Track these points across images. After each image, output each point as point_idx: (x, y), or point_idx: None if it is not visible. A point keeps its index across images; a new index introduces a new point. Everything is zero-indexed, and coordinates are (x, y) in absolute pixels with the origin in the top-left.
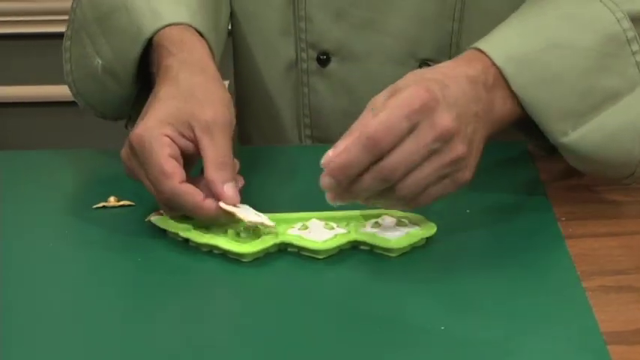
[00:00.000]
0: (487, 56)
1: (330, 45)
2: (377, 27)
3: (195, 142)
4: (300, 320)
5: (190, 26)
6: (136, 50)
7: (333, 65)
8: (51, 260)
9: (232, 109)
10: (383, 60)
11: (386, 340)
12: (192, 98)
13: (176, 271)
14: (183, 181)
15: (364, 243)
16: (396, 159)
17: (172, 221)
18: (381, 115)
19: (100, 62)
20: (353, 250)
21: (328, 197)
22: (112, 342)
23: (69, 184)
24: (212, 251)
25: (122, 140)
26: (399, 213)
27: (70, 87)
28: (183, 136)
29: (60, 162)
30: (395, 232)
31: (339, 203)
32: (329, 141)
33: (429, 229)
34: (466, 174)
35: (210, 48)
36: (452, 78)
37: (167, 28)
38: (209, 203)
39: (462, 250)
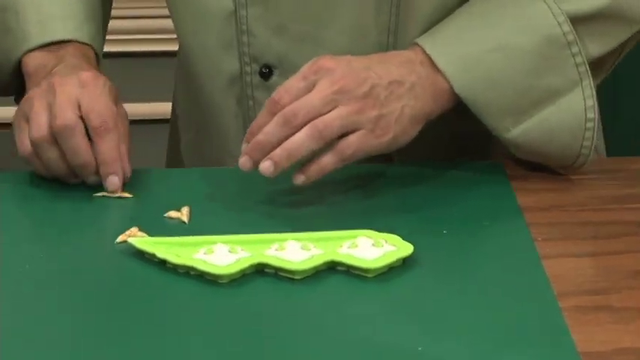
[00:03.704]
0: (428, 56)
1: (271, 58)
2: (316, 41)
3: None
4: (277, 341)
5: (75, 41)
6: (18, 54)
7: (275, 79)
8: (25, 282)
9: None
10: None
11: None
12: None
13: (153, 293)
14: None
15: (341, 263)
16: (296, 104)
17: (150, 242)
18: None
19: None
20: (330, 270)
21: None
22: None
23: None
24: (189, 272)
25: None
26: (376, 234)
27: None
28: None
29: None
30: (371, 253)
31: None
32: None
33: (405, 250)
34: (387, 135)
35: (96, 54)
36: (378, 56)
37: (52, 45)
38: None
39: (438, 270)
